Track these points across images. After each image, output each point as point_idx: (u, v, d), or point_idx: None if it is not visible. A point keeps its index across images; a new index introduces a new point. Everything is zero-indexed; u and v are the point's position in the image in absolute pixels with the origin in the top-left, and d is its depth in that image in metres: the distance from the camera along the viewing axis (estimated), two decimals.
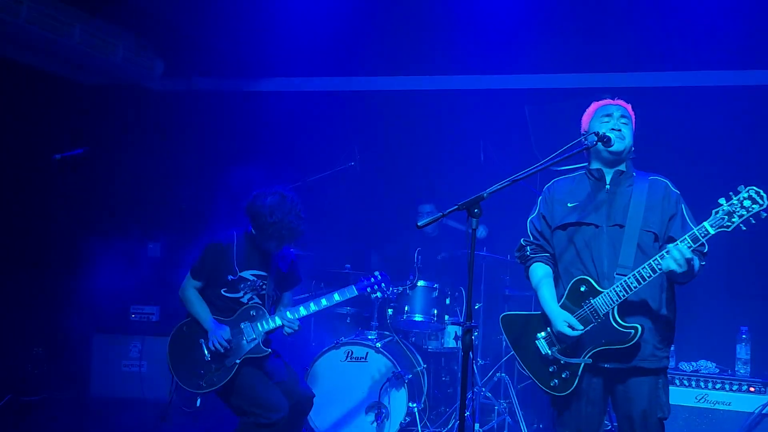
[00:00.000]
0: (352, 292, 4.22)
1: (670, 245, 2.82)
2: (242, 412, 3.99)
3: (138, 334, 6.02)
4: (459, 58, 6.25)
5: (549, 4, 5.38)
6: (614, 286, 2.94)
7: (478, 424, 5.30)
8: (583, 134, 3.20)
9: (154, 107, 6.87)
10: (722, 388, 4.60)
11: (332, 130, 6.65)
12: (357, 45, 6.25)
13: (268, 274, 4.15)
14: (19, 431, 5.18)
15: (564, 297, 3.10)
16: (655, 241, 3.05)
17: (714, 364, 4.79)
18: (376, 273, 4.31)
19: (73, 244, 6.04)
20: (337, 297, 4.21)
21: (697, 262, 2.91)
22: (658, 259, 2.86)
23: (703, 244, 2.85)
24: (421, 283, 5.41)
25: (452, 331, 5.62)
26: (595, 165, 3.22)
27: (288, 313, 4.09)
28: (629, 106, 3.23)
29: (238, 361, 3.98)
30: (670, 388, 4.59)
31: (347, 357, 5.04)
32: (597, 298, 2.99)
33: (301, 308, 4.16)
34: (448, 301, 5.48)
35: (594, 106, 3.26)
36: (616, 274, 2.97)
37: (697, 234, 2.80)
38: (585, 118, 3.27)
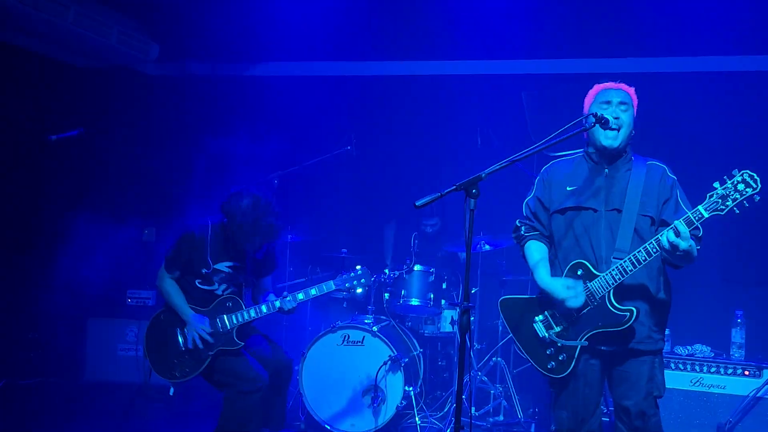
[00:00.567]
0: (330, 287, 4.22)
1: (675, 222, 2.82)
2: (223, 385, 4.08)
3: (134, 319, 6.02)
4: (456, 43, 6.21)
5: None
6: (610, 269, 2.96)
7: (474, 408, 5.33)
8: (584, 116, 3.17)
9: (149, 91, 6.83)
10: (717, 372, 4.63)
11: (328, 114, 6.62)
12: (354, 29, 6.21)
13: (243, 264, 4.17)
14: (15, 415, 5.17)
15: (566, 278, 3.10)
16: (651, 225, 3.06)
17: (709, 348, 4.81)
18: (358, 268, 4.28)
19: (68, 228, 6.01)
20: (313, 292, 4.21)
21: (694, 244, 2.91)
22: (654, 242, 2.87)
23: (697, 228, 2.86)
24: (417, 267, 5.41)
25: (448, 315, 5.63)
26: (593, 149, 3.20)
27: (265, 306, 4.13)
28: (632, 90, 3.19)
29: (211, 353, 4.04)
30: (666, 371, 4.66)
31: (344, 341, 5.04)
32: (593, 282, 3.00)
33: (277, 302, 4.17)
34: (444, 286, 5.49)
35: (596, 88, 3.24)
36: (613, 257, 2.99)
37: (692, 217, 2.82)
38: (587, 101, 3.25)
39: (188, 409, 5.45)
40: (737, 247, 5.52)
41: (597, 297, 2.99)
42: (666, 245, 2.81)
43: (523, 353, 3.23)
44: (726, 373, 4.61)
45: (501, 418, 5.34)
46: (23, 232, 6.20)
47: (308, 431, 5.03)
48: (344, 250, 5.81)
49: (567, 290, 3.04)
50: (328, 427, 4.95)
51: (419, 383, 5.28)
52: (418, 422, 4.91)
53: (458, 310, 5.38)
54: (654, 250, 2.87)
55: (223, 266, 4.11)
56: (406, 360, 5.03)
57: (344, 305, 5.75)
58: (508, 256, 5.73)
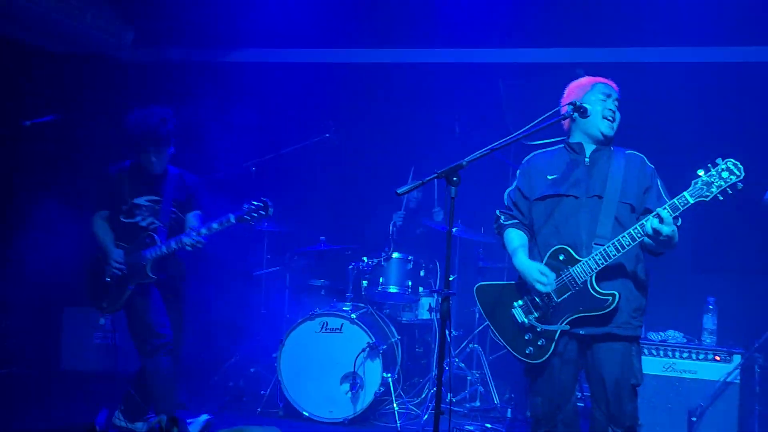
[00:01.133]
0: (230, 219, 4.18)
1: (658, 209, 2.87)
2: (136, 337, 4.25)
3: None
4: (436, 32, 6.22)
5: None
6: (593, 254, 2.99)
7: (450, 394, 5.37)
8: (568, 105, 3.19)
9: (123, 77, 6.74)
10: (689, 357, 4.72)
11: (307, 102, 6.60)
12: (333, 16, 6.19)
13: (162, 198, 4.29)
14: None
15: (543, 264, 3.13)
16: (632, 212, 3.10)
17: (681, 334, 4.89)
18: (262, 199, 4.22)
19: (43, 215, 5.93)
20: (215, 225, 4.18)
21: (676, 232, 2.96)
22: (638, 227, 2.91)
23: (677, 217, 2.90)
24: (395, 255, 5.44)
25: (426, 302, 5.67)
26: (576, 138, 3.24)
27: (174, 242, 4.18)
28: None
29: (131, 287, 4.19)
30: None
31: (322, 328, 5.05)
32: (575, 267, 3.03)
33: (185, 238, 4.18)
34: (422, 273, 5.52)
35: (590, 79, 3.26)
36: (594, 243, 3.02)
37: (677, 203, 2.85)
38: (576, 90, 3.25)
39: None
40: (709, 235, 5.61)
41: (579, 282, 3.02)
42: (650, 231, 2.85)
43: (499, 340, 3.24)
44: (698, 359, 4.69)
45: (477, 403, 5.40)
46: None
47: (287, 418, 5.04)
48: (322, 238, 5.81)
49: (540, 275, 3.07)
50: (307, 414, 4.97)
51: (397, 370, 5.32)
52: (396, 408, 4.95)
53: (436, 297, 5.44)
54: (638, 235, 2.91)
55: (143, 200, 4.28)
56: (384, 347, 5.06)
57: (322, 293, 5.76)
58: (486, 243, 5.78)
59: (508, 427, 4.93)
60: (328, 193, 6.61)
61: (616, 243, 2.94)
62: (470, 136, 5.72)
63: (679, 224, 2.99)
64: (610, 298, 2.98)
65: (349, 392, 4.91)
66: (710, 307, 4.87)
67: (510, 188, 3.39)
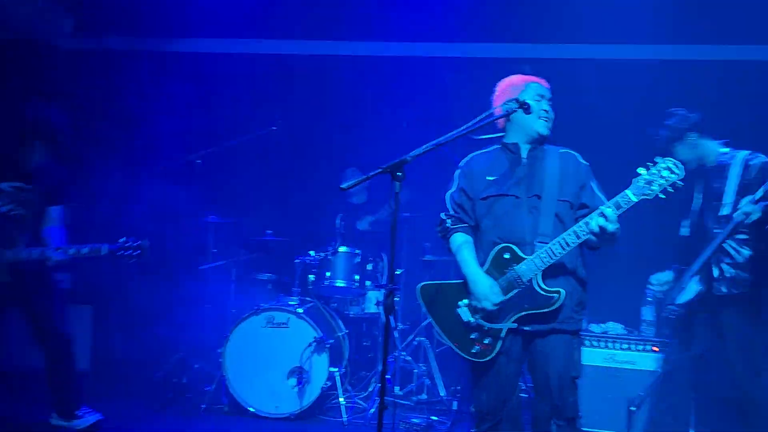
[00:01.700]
0: (103, 250, 4.08)
1: (602, 207, 2.92)
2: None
3: None
4: (382, 25, 6.21)
5: None
6: (539, 252, 3.02)
7: (398, 387, 5.41)
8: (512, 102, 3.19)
9: (64, 65, 6.54)
10: (628, 349, 4.83)
11: (253, 94, 6.52)
12: (279, 7, 6.12)
13: (30, 185, 4.15)
14: None
15: (488, 264, 3.15)
16: (570, 209, 3.16)
17: (621, 326, 5.01)
18: (137, 240, 4.15)
19: None
20: (85, 250, 4.07)
21: (619, 228, 3.00)
22: (583, 225, 2.96)
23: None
24: (342, 249, 5.43)
25: (373, 296, 5.68)
26: (512, 139, 3.27)
27: (47, 252, 4.07)
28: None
29: None
30: (581, 348, 4.85)
31: (268, 323, 5.02)
32: (521, 265, 3.05)
33: (48, 251, 4.07)
34: (369, 267, 5.52)
35: (523, 78, 3.28)
36: (538, 242, 3.05)
37: (620, 201, 2.90)
38: (509, 90, 3.26)
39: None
40: (647, 228, 5.75)
41: (524, 280, 3.04)
42: (596, 229, 2.90)
43: (444, 339, 3.22)
44: (637, 350, 4.82)
45: (424, 396, 5.44)
46: None
47: (232, 414, 4.99)
48: (269, 231, 5.76)
49: (492, 293, 3.07)
50: (252, 410, 4.93)
51: (344, 364, 5.32)
52: (343, 402, 4.95)
53: (383, 291, 5.44)
54: (584, 233, 2.95)
55: (6, 186, 4.11)
56: (331, 341, 5.05)
57: (269, 287, 5.71)
58: (433, 237, 5.79)
59: (454, 419, 4.98)
60: (274, 186, 6.55)
61: (561, 241, 2.99)
62: (418, 130, 5.73)
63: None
64: (556, 295, 3.02)
65: (296, 387, 4.89)
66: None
67: (451, 190, 3.37)
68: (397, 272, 5.69)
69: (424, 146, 2.88)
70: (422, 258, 5.73)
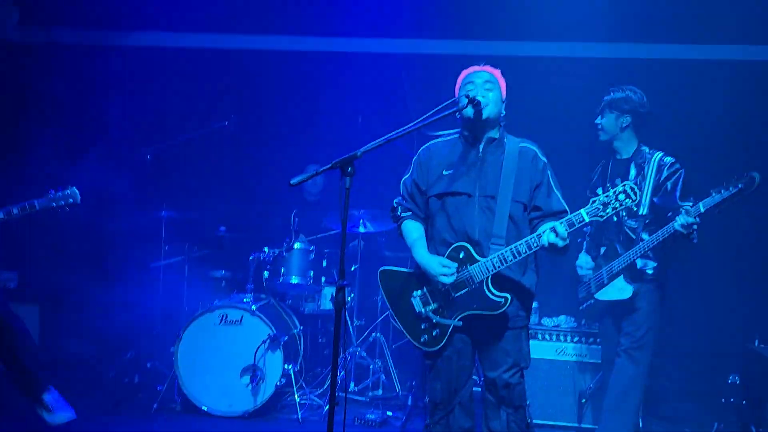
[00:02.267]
0: (33, 206, 4.01)
1: (555, 224, 2.95)
2: None
3: None
4: (337, 20, 6.18)
5: None
6: (491, 256, 3.06)
7: (353, 383, 5.40)
8: (457, 98, 3.24)
9: (10, 58, 6.35)
10: (579, 342, 4.92)
11: (205, 89, 6.42)
12: (233, 1, 6.04)
13: None
14: None
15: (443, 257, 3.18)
16: (524, 211, 3.19)
17: (573, 319, 5.10)
18: (70, 187, 4.07)
19: None
20: (15, 210, 3.98)
21: (569, 244, 3.06)
22: (536, 238, 3.00)
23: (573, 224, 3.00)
24: (297, 245, 5.39)
25: (329, 293, 5.65)
26: (466, 130, 3.28)
27: None
28: (496, 71, 3.29)
29: None
30: (533, 342, 4.91)
31: (221, 320, 4.96)
32: (474, 266, 3.10)
33: None
34: (324, 263, 5.50)
35: (462, 74, 3.32)
36: (492, 244, 3.10)
37: (574, 220, 2.96)
38: (456, 88, 3.32)
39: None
40: (597, 225, 5.85)
41: (476, 281, 3.10)
42: (545, 244, 2.96)
43: (398, 324, 3.32)
44: (587, 342, 4.91)
45: (380, 392, 5.45)
46: None
47: (185, 413, 4.92)
48: (222, 227, 5.69)
49: (442, 267, 3.12)
50: (205, 409, 4.86)
51: (299, 361, 5.29)
52: (298, 399, 4.93)
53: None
54: (535, 245, 3.00)
55: None
56: (286, 338, 5.01)
57: (223, 284, 5.64)
58: (387, 233, 5.82)
59: (409, 414, 5.00)
60: (228, 182, 6.47)
61: (513, 250, 3.03)
62: (374, 126, 5.71)
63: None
64: (503, 300, 3.08)
65: (250, 385, 4.84)
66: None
67: (406, 176, 3.41)
68: (353, 268, 5.69)
69: (375, 141, 2.87)
70: (379, 254, 5.74)
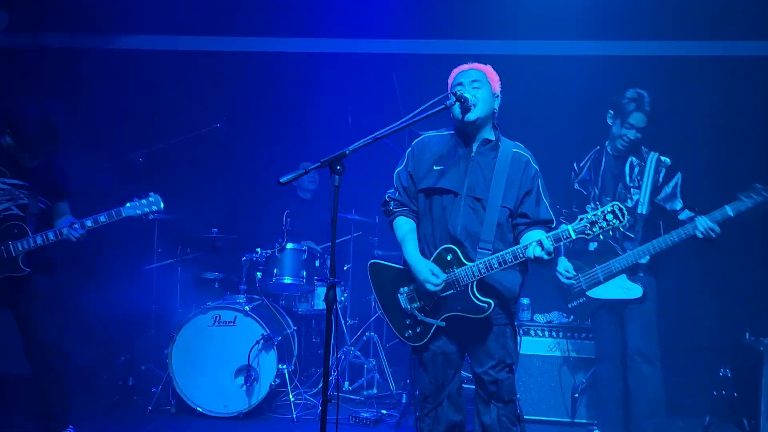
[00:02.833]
0: (119, 213, 4.09)
1: (542, 238, 2.96)
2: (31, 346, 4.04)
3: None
4: (326, 22, 6.21)
5: None
6: (478, 262, 3.08)
7: (347, 382, 5.42)
8: (445, 95, 3.23)
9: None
10: (572, 337, 4.96)
11: (196, 91, 6.43)
12: (224, 3, 6.05)
13: (25, 183, 4.04)
14: None
15: (431, 261, 3.19)
16: (509, 217, 3.20)
17: (565, 315, 5.13)
18: (150, 194, 4.19)
19: None
20: (103, 219, 4.05)
21: (554, 259, 3.10)
22: (522, 249, 3.02)
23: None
24: (289, 245, 5.41)
25: (322, 292, 5.66)
26: (457, 129, 3.28)
27: (52, 233, 3.99)
28: (486, 68, 3.27)
29: None
30: (526, 338, 4.96)
31: (215, 321, 4.97)
32: (460, 269, 3.12)
33: (65, 230, 3.99)
34: (317, 263, 5.51)
35: (453, 73, 3.30)
36: (479, 248, 3.11)
37: (561, 235, 2.97)
38: (449, 82, 3.30)
39: None
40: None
41: (461, 284, 3.12)
42: (531, 256, 2.98)
43: (384, 317, 3.36)
44: (579, 338, 4.94)
45: (374, 390, 5.47)
46: None
47: (180, 415, 4.92)
48: (215, 229, 5.70)
49: (431, 275, 3.12)
50: (200, 410, 4.88)
51: (293, 361, 5.30)
52: (292, 399, 4.94)
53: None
54: (521, 256, 3.02)
55: (1, 182, 3.98)
56: (280, 338, 5.03)
57: (216, 286, 5.66)
58: (380, 232, 5.84)
59: (403, 411, 5.02)
60: (220, 184, 6.48)
61: (499, 258, 3.05)
62: (364, 126, 5.74)
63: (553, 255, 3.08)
64: (486, 305, 3.10)
65: (244, 385, 4.86)
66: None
67: (399, 168, 3.39)
68: (345, 267, 5.71)
69: (363, 140, 2.89)
70: (371, 253, 5.75)
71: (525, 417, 4.65)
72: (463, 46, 6.36)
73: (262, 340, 4.89)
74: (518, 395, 3.35)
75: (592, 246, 4.31)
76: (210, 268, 5.76)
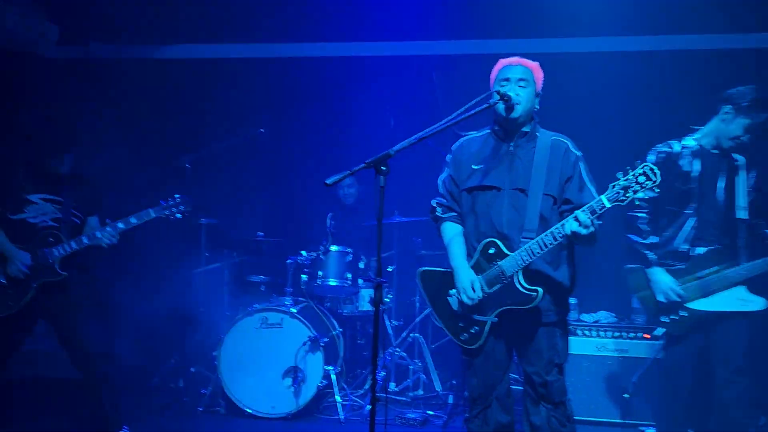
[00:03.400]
0: (149, 214, 4.19)
1: (577, 212, 2.94)
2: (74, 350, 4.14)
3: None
4: (366, 26, 6.24)
5: None
6: (520, 250, 3.06)
7: (393, 383, 5.43)
8: (488, 93, 3.24)
9: (50, 75, 6.53)
10: (620, 337, 4.88)
11: (240, 97, 6.53)
12: (265, 10, 6.13)
13: (60, 197, 4.17)
14: None
15: (476, 257, 3.20)
16: (554, 204, 3.17)
17: (613, 315, 5.05)
18: (177, 195, 4.29)
19: None
20: (133, 220, 4.16)
21: (595, 232, 3.03)
22: (560, 227, 2.98)
23: (601, 216, 2.98)
24: (334, 248, 5.44)
25: (367, 294, 5.68)
26: (497, 125, 3.28)
27: (86, 237, 4.13)
28: (533, 65, 3.27)
29: (35, 285, 4.06)
30: (573, 338, 4.90)
31: (262, 323, 5.03)
32: (504, 261, 3.10)
33: (98, 233, 4.12)
34: (362, 265, 5.55)
35: (498, 65, 3.30)
36: (522, 238, 3.08)
37: (595, 207, 2.93)
38: (491, 78, 3.31)
39: None
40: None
41: (507, 275, 3.10)
42: (568, 232, 2.95)
43: (439, 323, 3.34)
44: (628, 337, 4.86)
45: (420, 392, 5.47)
46: None
47: (229, 416, 5.01)
48: (260, 233, 5.77)
49: (470, 288, 3.13)
50: (249, 411, 4.94)
51: (339, 362, 5.34)
52: (339, 400, 4.98)
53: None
54: (559, 235, 2.99)
55: (36, 198, 4.13)
56: (326, 340, 5.07)
57: (262, 288, 5.72)
58: (424, 232, 5.83)
59: (450, 413, 5.00)
60: (264, 188, 6.56)
61: (540, 241, 3.02)
62: (406, 127, 5.74)
63: (598, 225, 3.03)
64: (534, 293, 3.07)
65: (292, 387, 4.91)
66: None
67: (443, 175, 3.42)
68: (389, 269, 5.72)
69: (407, 140, 2.90)
70: (415, 254, 5.76)
71: (575, 418, 4.59)
72: (502, 45, 6.31)
73: (308, 342, 4.94)
74: (569, 396, 3.29)
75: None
76: (255, 271, 5.84)
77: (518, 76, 3.20)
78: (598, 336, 4.91)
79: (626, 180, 2.90)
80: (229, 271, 5.82)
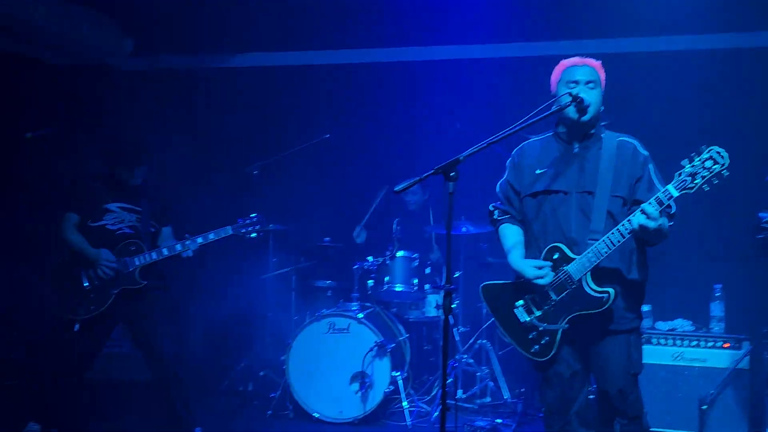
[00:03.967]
0: (227, 231, 4.31)
1: (643, 205, 2.83)
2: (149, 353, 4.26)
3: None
4: (431, 30, 6.22)
5: None
6: (586, 252, 2.95)
7: (461, 390, 5.38)
8: (553, 96, 3.15)
9: (124, 86, 6.76)
10: (698, 346, 4.68)
11: (307, 103, 6.61)
12: (329, 19, 6.19)
13: (137, 208, 4.32)
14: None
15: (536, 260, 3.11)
16: (623, 206, 3.06)
17: (690, 323, 4.86)
18: (252, 214, 4.39)
19: (43, 227, 5.93)
20: (212, 236, 4.28)
21: (666, 223, 2.93)
22: (626, 223, 2.87)
23: (669, 206, 2.87)
24: (400, 253, 5.44)
25: (433, 300, 5.66)
26: (563, 128, 3.19)
27: (166, 249, 4.27)
28: (597, 64, 3.17)
29: (115, 291, 4.19)
30: (648, 347, 4.74)
31: (329, 329, 5.06)
32: (570, 265, 3.00)
33: (178, 245, 4.26)
34: (428, 271, 5.52)
35: (561, 66, 3.20)
36: (589, 239, 2.98)
37: (662, 197, 2.82)
38: (553, 79, 3.22)
39: None
40: (715, 221, 5.58)
41: (575, 280, 2.99)
42: (636, 227, 2.83)
43: (506, 338, 3.22)
44: (706, 347, 4.66)
45: (488, 399, 5.40)
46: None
47: (297, 420, 5.05)
48: (327, 238, 5.81)
49: (535, 270, 3.04)
50: (317, 415, 4.98)
51: (406, 368, 5.32)
52: (406, 406, 4.96)
53: (442, 293, 5.42)
54: (627, 231, 2.87)
55: (114, 206, 4.28)
56: (392, 345, 5.06)
57: (329, 294, 5.76)
58: (490, 239, 5.75)
59: (519, 421, 4.92)
60: (331, 193, 6.60)
61: (606, 240, 2.91)
62: (472, 131, 5.69)
63: (673, 212, 2.95)
64: (606, 295, 2.95)
65: (359, 392, 4.92)
66: (717, 294, 4.84)
67: (501, 180, 3.36)
68: (456, 275, 5.67)
69: (476, 146, 2.86)
70: (481, 260, 5.69)
71: (651, 429, 4.45)
72: (564, 46, 6.19)
73: (375, 347, 4.94)
74: (645, 409, 3.16)
75: None
76: (322, 277, 5.89)
77: (587, 78, 3.10)
78: (675, 345, 4.73)
79: (692, 167, 2.76)
80: (297, 276, 5.88)
